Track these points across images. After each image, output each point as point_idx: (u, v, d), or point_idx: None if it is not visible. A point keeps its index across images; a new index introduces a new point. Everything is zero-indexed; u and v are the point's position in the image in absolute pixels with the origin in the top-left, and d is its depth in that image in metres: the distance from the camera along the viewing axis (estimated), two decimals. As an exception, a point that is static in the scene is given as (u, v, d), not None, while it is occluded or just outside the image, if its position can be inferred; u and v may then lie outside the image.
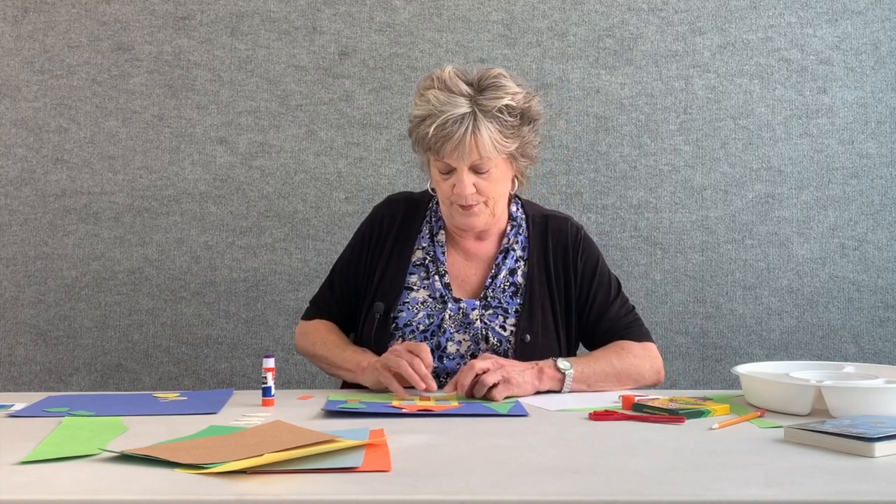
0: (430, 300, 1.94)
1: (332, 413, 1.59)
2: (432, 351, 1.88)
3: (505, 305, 1.94)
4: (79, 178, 2.68)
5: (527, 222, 2.03)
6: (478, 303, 1.94)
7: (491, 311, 1.93)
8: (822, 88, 2.72)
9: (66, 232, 2.68)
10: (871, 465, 1.24)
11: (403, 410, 1.60)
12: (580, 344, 2.04)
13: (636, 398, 1.64)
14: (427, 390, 1.73)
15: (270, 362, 1.68)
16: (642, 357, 1.93)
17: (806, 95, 2.71)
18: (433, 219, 2.04)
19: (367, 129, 2.69)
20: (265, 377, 1.68)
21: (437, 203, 2.02)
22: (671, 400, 1.65)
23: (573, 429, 1.49)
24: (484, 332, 1.91)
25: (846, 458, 1.27)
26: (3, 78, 2.68)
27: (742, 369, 1.72)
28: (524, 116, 1.90)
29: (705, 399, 1.68)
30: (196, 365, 2.69)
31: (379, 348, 1.91)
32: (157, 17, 2.68)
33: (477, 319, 1.92)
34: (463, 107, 1.84)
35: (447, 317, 1.92)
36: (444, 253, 2.00)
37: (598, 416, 1.56)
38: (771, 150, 2.72)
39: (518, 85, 1.91)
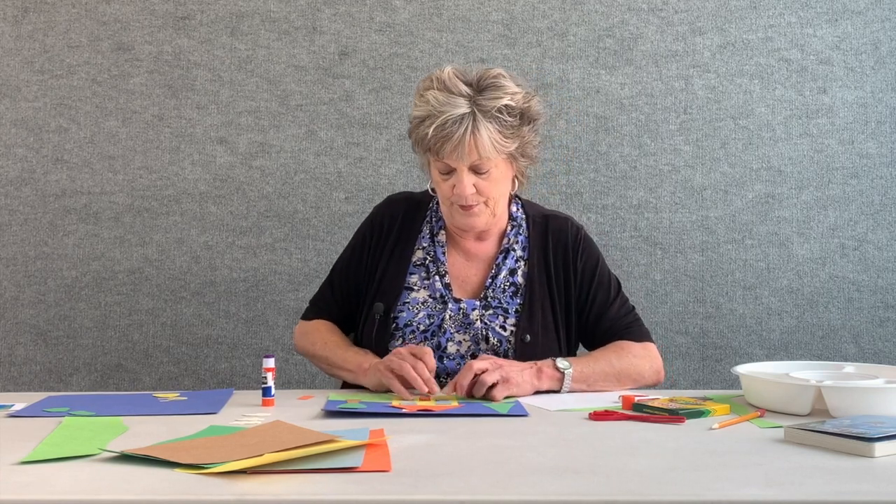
0: (431, 300, 1.94)
1: (332, 413, 1.59)
2: (432, 351, 1.88)
3: (505, 305, 1.94)
4: (79, 178, 2.68)
5: (527, 222, 2.03)
6: (478, 303, 1.94)
7: (491, 312, 1.93)
8: (822, 88, 2.72)
9: (66, 232, 2.68)
10: (871, 465, 1.24)
11: (403, 410, 1.60)
12: (580, 344, 2.04)
13: (636, 398, 1.64)
14: (429, 394, 1.73)
15: (270, 362, 1.68)
16: (642, 357, 1.93)
17: (806, 95, 2.71)
18: (433, 219, 2.04)
19: (367, 129, 2.69)
20: (265, 377, 1.68)
21: (438, 203, 2.02)
22: (671, 400, 1.65)
23: (573, 429, 1.49)
24: (484, 333, 1.91)
25: (846, 458, 1.27)
26: (3, 78, 2.68)
27: (742, 369, 1.72)
28: (524, 116, 1.90)
29: (705, 399, 1.68)
30: (196, 365, 2.69)
31: (379, 348, 1.91)
32: (157, 17, 2.68)
33: (477, 320, 1.92)
34: (462, 107, 1.84)
35: (447, 317, 1.92)
36: (444, 253, 1.99)
37: (598, 416, 1.56)
38: (771, 150, 2.72)
39: (517, 85, 1.91)
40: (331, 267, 2.11)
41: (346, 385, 1.98)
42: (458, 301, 1.94)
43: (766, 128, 2.71)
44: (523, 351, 1.88)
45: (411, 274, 1.98)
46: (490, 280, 1.97)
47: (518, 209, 2.05)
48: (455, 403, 1.68)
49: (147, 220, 2.69)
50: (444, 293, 1.94)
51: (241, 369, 2.68)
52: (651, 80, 2.70)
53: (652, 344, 1.98)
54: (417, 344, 1.90)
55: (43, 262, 2.68)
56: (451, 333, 1.91)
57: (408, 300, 1.94)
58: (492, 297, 1.95)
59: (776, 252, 2.72)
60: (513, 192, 2.01)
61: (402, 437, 1.39)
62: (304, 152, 2.69)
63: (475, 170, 1.87)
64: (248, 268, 2.69)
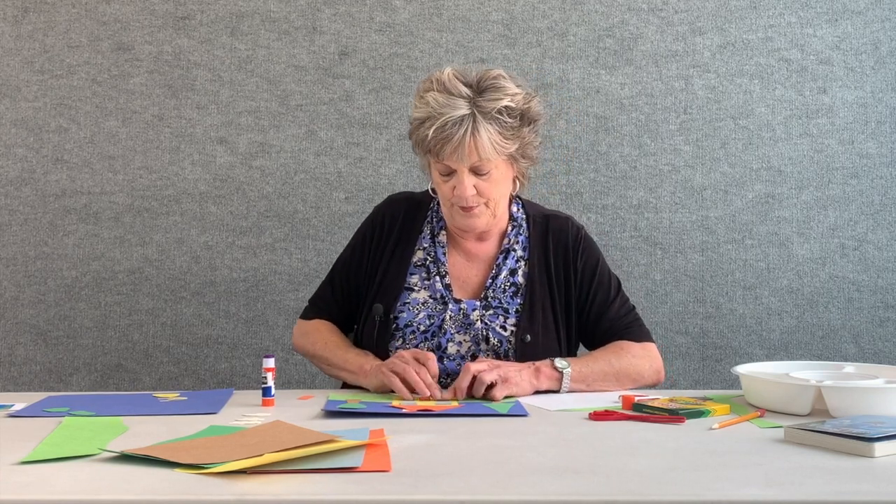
0: (431, 301, 1.94)
1: (332, 413, 1.59)
2: (433, 352, 1.88)
3: (505, 306, 1.94)
4: (79, 178, 2.68)
5: (527, 222, 2.03)
6: (478, 303, 1.94)
7: (491, 312, 1.93)
8: (822, 88, 2.72)
9: (66, 232, 2.68)
10: (871, 465, 1.24)
11: (403, 410, 1.60)
12: (581, 344, 2.04)
13: (636, 398, 1.64)
14: (431, 398, 1.72)
15: (270, 362, 1.68)
16: (641, 357, 1.93)
17: (806, 95, 2.71)
18: (434, 219, 2.04)
19: (367, 129, 2.69)
20: (265, 377, 1.68)
21: (438, 203, 2.02)
22: (671, 400, 1.65)
23: (573, 429, 1.49)
24: (484, 333, 1.91)
25: (846, 458, 1.27)
26: (3, 78, 2.68)
27: (742, 369, 1.72)
28: (524, 117, 1.90)
29: (705, 399, 1.68)
30: (196, 365, 2.69)
31: (379, 349, 1.91)
32: (157, 17, 2.68)
33: (477, 320, 1.92)
34: (462, 109, 1.83)
35: (448, 317, 1.92)
36: (444, 253, 1.99)
37: (598, 416, 1.56)
38: (771, 150, 2.72)
39: (517, 86, 1.90)
40: (330, 266, 2.11)
41: (346, 385, 1.97)
42: (458, 301, 1.94)
43: (766, 128, 2.71)
44: (524, 351, 1.88)
45: (412, 274, 1.98)
46: (490, 280, 1.97)
47: (518, 209, 2.05)
48: (455, 403, 1.68)
49: (147, 220, 2.69)
50: (445, 294, 1.94)
51: (241, 369, 2.68)
52: (651, 80, 2.70)
53: (652, 344, 1.98)
54: (417, 345, 1.90)
55: (43, 262, 2.68)
56: (452, 334, 1.91)
57: (408, 301, 1.94)
58: (492, 298, 1.95)
59: (776, 252, 2.72)
60: (513, 193, 2.01)
61: (402, 437, 1.39)
62: (304, 152, 2.69)
63: (475, 171, 1.87)
64: (248, 268, 2.69)
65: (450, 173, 1.89)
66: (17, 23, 2.68)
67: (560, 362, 1.81)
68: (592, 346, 2.00)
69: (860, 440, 1.29)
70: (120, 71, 2.68)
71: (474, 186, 1.88)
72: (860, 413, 1.49)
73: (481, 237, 2.01)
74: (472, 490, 1.13)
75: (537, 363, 1.81)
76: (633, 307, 2.03)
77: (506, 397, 1.73)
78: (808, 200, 2.72)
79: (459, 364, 1.89)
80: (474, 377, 1.73)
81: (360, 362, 1.87)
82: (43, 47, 2.68)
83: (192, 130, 2.68)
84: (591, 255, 2.01)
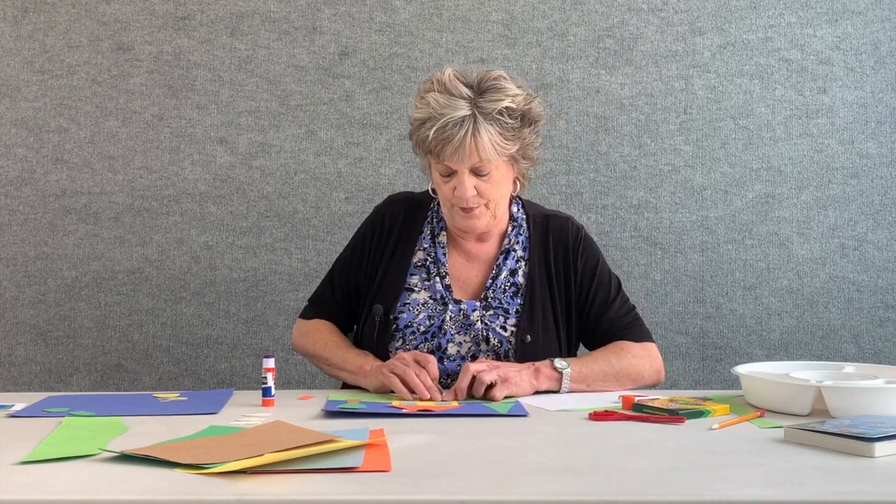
0: (431, 302, 1.94)
1: (332, 413, 1.59)
2: (432, 352, 1.88)
3: (505, 306, 1.94)
4: (79, 178, 2.68)
5: (528, 222, 2.03)
6: (478, 304, 1.94)
7: (491, 312, 1.93)
8: (822, 88, 2.72)
9: (66, 232, 2.69)
10: (871, 465, 1.24)
11: (403, 410, 1.60)
12: (581, 344, 2.04)
13: (636, 398, 1.64)
14: (431, 400, 1.72)
15: (270, 362, 1.68)
16: (641, 357, 1.92)
17: (806, 95, 2.71)
18: (434, 219, 2.04)
19: (367, 129, 2.69)
20: (265, 377, 1.68)
21: (439, 204, 2.02)
22: (671, 400, 1.65)
23: (573, 429, 1.49)
24: (485, 334, 1.91)
25: (846, 458, 1.27)
26: (3, 78, 2.68)
27: (742, 369, 1.72)
28: (525, 118, 1.90)
29: (705, 399, 1.68)
30: (196, 365, 2.69)
31: (379, 350, 1.91)
32: (157, 17, 2.68)
33: (478, 321, 1.91)
34: (463, 109, 1.83)
35: (448, 318, 1.92)
36: (445, 254, 1.99)
37: (598, 416, 1.56)
38: (771, 150, 2.72)
39: (518, 87, 1.90)
40: (330, 266, 2.11)
41: (346, 385, 1.97)
42: (458, 302, 1.94)
43: (766, 128, 2.71)
44: (524, 351, 1.88)
45: (412, 275, 1.98)
46: (490, 281, 1.96)
47: (519, 209, 2.05)
48: (455, 403, 1.68)
49: (147, 220, 2.69)
50: (445, 294, 1.94)
51: (241, 369, 2.68)
52: (651, 80, 2.70)
53: (652, 344, 1.98)
54: (417, 346, 1.90)
55: (43, 262, 2.68)
56: (452, 335, 1.91)
57: (408, 301, 1.94)
58: (492, 298, 1.95)
59: (776, 252, 2.72)
60: (514, 194, 2.00)
61: (402, 437, 1.39)
62: (304, 152, 2.69)
63: (476, 172, 1.87)
64: (248, 268, 2.69)
65: (450, 174, 1.89)
66: (17, 23, 2.68)
67: (560, 363, 1.81)
68: (593, 346, 2.00)
69: (860, 440, 1.29)
70: (120, 71, 2.68)
71: (475, 187, 1.88)
72: (860, 413, 1.49)
73: (481, 238, 2.01)
74: (472, 490, 1.13)
75: (537, 364, 1.81)
76: (634, 307, 2.02)
77: (506, 397, 1.72)
78: (808, 200, 2.72)
79: (459, 365, 1.88)
80: (474, 377, 1.73)
81: (360, 363, 1.87)
82: (43, 47, 2.68)
83: (192, 130, 2.69)
84: (591, 255, 2.01)
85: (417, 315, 1.93)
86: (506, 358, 1.89)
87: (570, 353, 1.99)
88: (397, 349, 1.91)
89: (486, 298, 1.94)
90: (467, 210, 1.90)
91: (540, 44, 2.70)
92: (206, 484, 1.15)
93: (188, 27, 2.68)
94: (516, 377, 1.75)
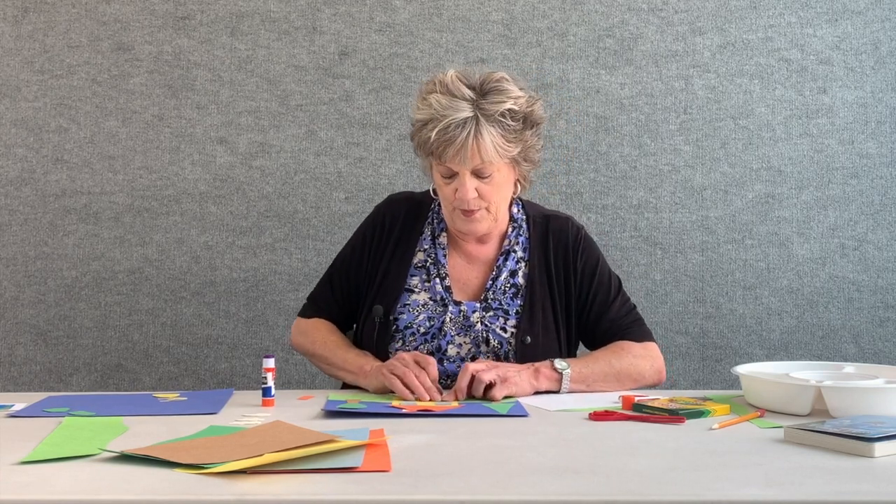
0: (431, 303, 1.94)
1: (332, 413, 1.59)
2: (432, 354, 1.88)
3: (505, 307, 1.94)
4: (79, 178, 2.68)
5: (528, 223, 2.03)
6: (478, 305, 1.94)
7: (491, 313, 1.93)
8: (822, 88, 2.72)
9: (66, 232, 2.68)
10: (871, 465, 1.24)
11: (403, 410, 1.60)
12: (582, 344, 2.04)
13: (636, 398, 1.64)
14: (431, 400, 1.72)
15: (270, 362, 1.68)
16: (642, 357, 1.92)
17: (806, 95, 2.71)
18: (435, 220, 2.04)
19: (367, 129, 2.69)
20: (265, 377, 1.68)
21: (439, 204, 2.01)
22: (671, 400, 1.65)
23: (573, 429, 1.49)
24: (485, 335, 1.90)
25: (846, 458, 1.27)
26: (3, 78, 2.68)
27: (742, 369, 1.72)
28: (527, 121, 1.89)
29: (705, 399, 1.68)
30: (196, 365, 2.69)
31: (379, 351, 1.91)
32: (157, 17, 2.68)
33: (478, 322, 1.91)
34: (465, 111, 1.83)
35: (448, 319, 1.91)
36: (445, 255, 1.99)
37: (598, 416, 1.56)
38: (771, 150, 2.72)
39: (521, 89, 1.90)
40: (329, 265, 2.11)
41: (346, 385, 1.97)
42: (458, 303, 1.94)
43: (766, 128, 2.71)
44: (524, 352, 1.88)
45: (412, 276, 1.97)
46: (491, 282, 1.96)
47: (519, 210, 2.05)
48: (455, 403, 1.68)
49: (147, 220, 2.69)
50: (445, 296, 1.94)
51: (241, 369, 2.68)
52: (651, 80, 2.70)
53: (653, 343, 1.98)
54: (417, 347, 1.90)
55: (43, 262, 2.68)
56: (452, 336, 1.91)
57: (408, 302, 1.94)
58: (492, 299, 1.94)
59: (776, 252, 2.72)
60: (515, 196, 2.00)
61: (402, 437, 1.39)
62: (304, 152, 2.69)
63: (477, 174, 1.87)
64: (248, 268, 2.69)
65: (451, 176, 1.89)
66: (17, 23, 2.68)
67: (560, 363, 1.81)
68: (593, 346, 1.99)
69: (860, 440, 1.29)
70: (120, 71, 2.68)
71: (476, 189, 1.88)
72: (860, 413, 1.49)
73: (482, 239, 2.00)
74: (472, 490, 1.13)
75: (537, 364, 1.81)
76: (634, 307, 2.02)
77: (505, 397, 1.72)
78: (808, 200, 2.72)
79: (459, 366, 1.88)
80: (473, 376, 1.73)
81: (361, 363, 1.87)
82: (43, 47, 2.68)
83: (192, 130, 2.69)
84: (590, 256, 2.01)
85: (417, 316, 1.92)
86: (506, 359, 1.89)
87: (570, 353, 1.99)
88: (397, 350, 1.90)
89: (486, 300, 1.94)
90: (468, 213, 1.90)
91: (540, 44, 2.70)
92: (206, 484, 1.15)
93: (188, 27, 2.68)
94: (516, 377, 1.75)
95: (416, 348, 1.90)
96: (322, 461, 1.23)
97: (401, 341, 1.91)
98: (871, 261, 2.72)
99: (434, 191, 1.98)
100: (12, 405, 1.67)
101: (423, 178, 2.16)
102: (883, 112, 2.72)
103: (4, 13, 2.68)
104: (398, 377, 1.74)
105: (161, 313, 2.69)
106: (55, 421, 1.52)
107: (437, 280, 1.96)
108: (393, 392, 1.75)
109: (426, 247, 2.00)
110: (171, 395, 1.78)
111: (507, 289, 1.96)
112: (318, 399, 1.74)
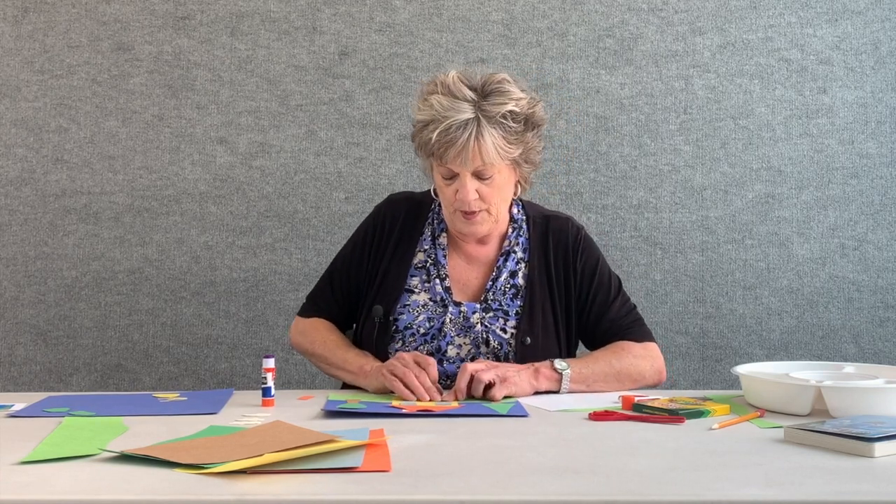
0: (431, 303, 1.94)
1: (332, 413, 1.59)
2: (432, 354, 1.88)
3: (505, 308, 1.94)
4: (79, 178, 2.68)
5: (528, 223, 2.03)
6: (478, 306, 1.93)
7: (491, 314, 1.93)
8: (822, 88, 2.72)
9: (66, 232, 2.69)
10: (871, 465, 1.24)
11: (403, 410, 1.60)
12: (582, 344, 2.04)
13: (636, 398, 1.64)
14: (431, 400, 1.72)
15: (270, 362, 1.68)
16: (642, 357, 1.92)
17: (806, 95, 2.71)
18: (435, 221, 2.03)
19: (367, 129, 2.69)
20: (265, 377, 1.68)
21: (439, 205, 2.01)
22: (671, 400, 1.65)
23: (573, 429, 1.48)
24: (484, 336, 1.90)
25: (846, 458, 1.27)
26: (3, 78, 2.68)
27: (742, 369, 1.72)
28: (528, 122, 1.89)
29: (705, 399, 1.68)
30: (196, 365, 2.69)
31: (379, 350, 1.91)
32: (157, 17, 2.68)
33: (478, 323, 1.91)
34: (466, 112, 1.83)
35: (448, 320, 1.91)
36: (445, 256, 1.99)
37: (598, 416, 1.56)
38: (771, 150, 2.72)
39: (522, 90, 1.90)
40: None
41: (346, 385, 1.97)
42: (458, 304, 1.93)
43: (766, 128, 2.71)
44: (524, 353, 1.88)
45: (412, 276, 1.97)
46: (490, 283, 1.96)
47: (519, 210, 2.05)
48: (455, 403, 1.68)
49: (147, 220, 2.69)
50: (445, 296, 1.94)
51: (241, 369, 2.68)
52: (651, 80, 2.70)
53: (653, 344, 1.98)
54: (417, 347, 1.90)
55: (43, 262, 2.68)
56: (452, 337, 1.91)
57: (408, 303, 1.94)
58: (492, 300, 1.94)
59: (776, 252, 2.72)
60: (515, 198, 2.00)
61: (402, 437, 1.39)
62: (304, 152, 2.69)
63: (478, 175, 1.87)
64: (248, 268, 2.69)
65: (452, 177, 1.88)
66: (17, 23, 2.68)
67: (559, 363, 1.81)
68: (594, 346, 1.99)
69: (860, 440, 1.29)
70: (120, 71, 2.68)
71: (476, 191, 1.87)
72: (860, 413, 1.49)
73: (482, 240, 2.00)
74: (472, 490, 1.13)
75: (536, 364, 1.81)
76: (634, 307, 2.02)
77: (505, 397, 1.72)
78: (808, 200, 2.72)
79: (459, 367, 1.88)
80: (472, 376, 1.73)
81: (360, 363, 1.87)
82: (43, 47, 2.68)
83: (192, 130, 2.69)
84: (590, 256, 2.01)
85: (417, 317, 1.92)
86: (506, 360, 1.89)
87: (570, 353, 1.99)
88: (397, 351, 1.90)
89: (486, 300, 1.94)
90: (469, 215, 1.90)
91: (540, 44, 2.70)
92: (206, 484, 1.15)
93: (188, 27, 2.68)
94: (515, 377, 1.75)
95: (415, 349, 1.90)
96: (322, 461, 1.23)
97: (400, 342, 1.91)
98: (871, 261, 2.72)
99: (434, 191, 1.98)
100: (12, 405, 1.67)
101: (423, 179, 2.16)
102: (883, 112, 2.72)
103: (4, 13, 2.68)
104: (398, 377, 1.73)
105: (161, 313, 2.69)
106: (55, 421, 1.52)
107: (437, 281, 1.96)
108: (393, 392, 1.75)
109: (426, 247, 2.00)
110: (171, 395, 1.78)
111: (507, 289, 1.96)
112: (318, 399, 1.74)
